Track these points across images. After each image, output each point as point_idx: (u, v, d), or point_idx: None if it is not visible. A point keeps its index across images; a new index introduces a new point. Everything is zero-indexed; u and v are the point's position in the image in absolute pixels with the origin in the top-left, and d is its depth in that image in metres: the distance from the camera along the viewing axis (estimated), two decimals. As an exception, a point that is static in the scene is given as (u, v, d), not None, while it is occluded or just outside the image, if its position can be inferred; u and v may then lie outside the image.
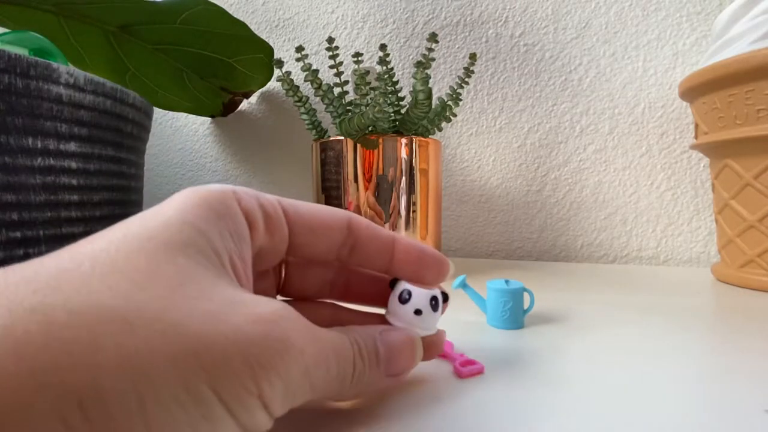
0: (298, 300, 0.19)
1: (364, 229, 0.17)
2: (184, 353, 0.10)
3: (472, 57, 0.38)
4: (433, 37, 0.36)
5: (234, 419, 0.10)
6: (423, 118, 0.37)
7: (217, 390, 0.10)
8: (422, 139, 0.38)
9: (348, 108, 0.39)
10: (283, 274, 0.18)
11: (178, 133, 0.70)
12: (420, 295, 0.17)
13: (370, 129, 0.36)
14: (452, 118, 0.40)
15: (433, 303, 0.17)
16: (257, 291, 0.16)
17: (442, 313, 0.18)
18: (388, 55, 0.37)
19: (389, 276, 0.18)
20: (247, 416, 0.11)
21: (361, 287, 0.19)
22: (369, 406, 0.16)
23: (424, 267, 0.17)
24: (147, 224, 0.12)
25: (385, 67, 0.37)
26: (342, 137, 0.37)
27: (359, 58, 0.36)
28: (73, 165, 0.31)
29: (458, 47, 0.56)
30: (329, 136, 0.39)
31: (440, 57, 0.56)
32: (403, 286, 0.17)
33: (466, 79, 0.38)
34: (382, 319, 0.18)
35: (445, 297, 0.18)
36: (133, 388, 0.09)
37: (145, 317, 0.10)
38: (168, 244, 0.11)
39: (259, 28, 0.64)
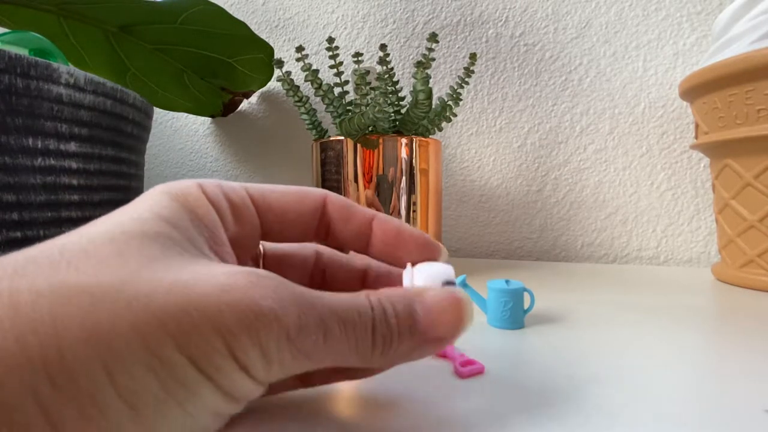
0: None
1: (338, 207, 0.16)
2: (149, 322, 0.10)
3: (473, 57, 0.38)
4: (433, 37, 0.36)
5: (212, 382, 0.10)
6: (423, 118, 0.37)
7: (188, 354, 0.10)
8: (422, 139, 0.38)
9: (348, 108, 0.39)
10: (261, 265, 0.18)
11: (178, 133, 0.70)
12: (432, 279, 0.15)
13: (370, 129, 0.36)
14: (452, 118, 0.40)
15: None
16: None
17: None
18: (388, 55, 0.37)
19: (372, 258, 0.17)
20: (227, 380, 0.10)
21: (338, 284, 0.18)
22: (369, 405, 0.16)
23: (404, 246, 0.16)
24: (120, 219, 0.12)
25: (385, 67, 0.37)
26: (342, 137, 0.37)
27: (359, 58, 0.36)
28: (74, 165, 0.31)
29: (458, 47, 0.56)
30: (329, 136, 0.39)
31: (440, 57, 0.56)
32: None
33: (467, 79, 0.38)
34: None
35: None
36: (97, 356, 0.09)
37: (109, 291, 0.10)
38: (141, 235, 0.11)
39: (259, 28, 0.64)
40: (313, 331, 0.11)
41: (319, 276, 0.18)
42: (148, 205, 0.13)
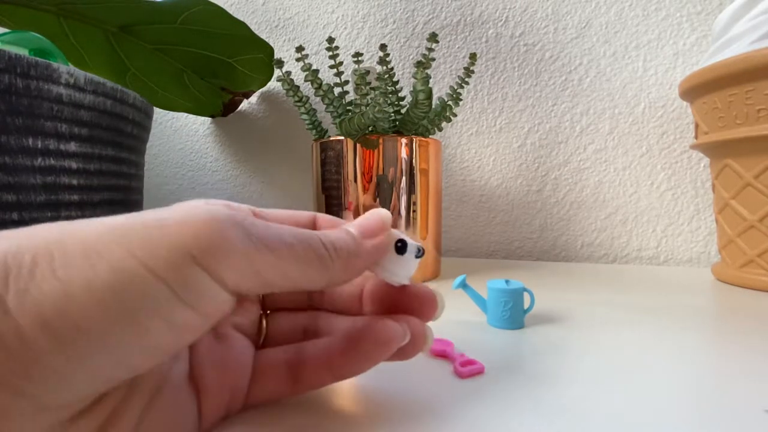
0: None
1: (327, 222, 0.18)
2: (109, 236, 0.11)
3: (473, 57, 0.38)
4: (433, 37, 0.36)
5: (176, 296, 0.11)
6: (423, 118, 0.37)
7: (148, 265, 0.11)
8: (422, 139, 0.38)
9: (348, 108, 0.39)
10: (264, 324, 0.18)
11: (178, 133, 0.70)
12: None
13: (370, 129, 0.36)
14: (452, 118, 0.40)
15: (399, 245, 0.16)
16: (239, 314, 0.18)
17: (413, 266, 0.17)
18: (388, 55, 0.37)
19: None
20: (193, 295, 0.11)
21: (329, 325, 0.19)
22: (369, 405, 0.16)
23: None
24: (120, 220, 0.13)
25: (385, 67, 0.37)
26: (342, 137, 0.37)
27: (359, 58, 0.36)
28: (74, 165, 0.31)
29: (458, 47, 0.56)
30: (329, 136, 0.39)
31: (440, 57, 0.56)
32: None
33: (467, 79, 0.38)
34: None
35: (420, 251, 0.17)
36: (47, 250, 0.10)
37: (75, 230, 0.11)
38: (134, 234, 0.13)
39: (259, 28, 0.64)
40: (266, 255, 0.12)
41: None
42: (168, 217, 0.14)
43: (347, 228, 0.15)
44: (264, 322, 0.18)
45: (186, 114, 0.67)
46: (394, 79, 0.38)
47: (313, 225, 0.18)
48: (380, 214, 0.16)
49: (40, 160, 0.28)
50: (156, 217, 0.12)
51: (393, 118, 0.39)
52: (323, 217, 0.18)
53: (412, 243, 0.16)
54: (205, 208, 0.12)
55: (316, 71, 0.37)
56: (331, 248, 0.14)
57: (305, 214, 0.18)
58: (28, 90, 0.27)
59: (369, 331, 0.15)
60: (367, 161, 0.37)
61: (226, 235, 0.12)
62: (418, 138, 0.38)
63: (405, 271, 0.16)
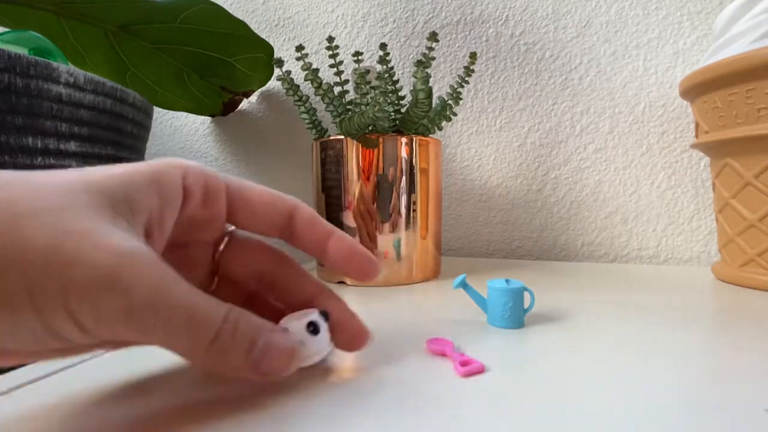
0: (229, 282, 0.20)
1: (304, 220, 0.19)
2: (15, 258, 0.11)
3: (473, 56, 0.38)
4: (433, 36, 0.36)
5: (38, 315, 0.12)
6: (423, 117, 0.37)
7: (28, 287, 0.11)
8: (422, 138, 0.38)
9: (348, 107, 0.39)
10: (221, 246, 0.20)
11: (178, 132, 0.70)
12: (296, 326, 0.17)
13: (370, 128, 0.36)
14: (452, 117, 0.40)
15: (311, 329, 0.17)
16: (194, 255, 0.19)
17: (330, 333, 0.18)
18: (388, 54, 0.37)
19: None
20: (51, 317, 0.12)
21: (286, 289, 0.20)
22: (369, 405, 0.16)
23: (352, 263, 0.19)
24: (96, 170, 0.15)
25: (385, 66, 0.37)
26: (342, 136, 0.37)
27: (359, 57, 0.36)
28: (74, 164, 0.31)
29: (458, 46, 0.56)
30: (329, 136, 0.39)
31: (440, 56, 0.56)
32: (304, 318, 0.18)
33: (467, 78, 0.38)
34: None
35: (326, 316, 0.18)
36: None
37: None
38: (89, 183, 0.14)
39: (259, 27, 0.64)
40: (154, 314, 0.13)
41: (288, 233, 0.19)
42: (133, 167, 0.16)
43: (257, 340, 0.15)
44: (223, 244, 0.20)
45: (186, 113, 0.67)
46: (394, 79, 0.38)
47: (293, 211, 0.19)
48: (293, 355, 0.16)
49: (40, 159, 0.28)
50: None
51: (393, 117, 0.39)
52: (303, 210, 0.19)
53: (321, 323, 0.18)
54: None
55: (316, 70, 0.37)
56: (212, 353, 0.14)
57: (286, 201, 0.19)
58: (28, 89, 0.27)
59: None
60: (367, 160, 0.37)
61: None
62: (418, 137, 0.38)
63: (314, 348, 0.17)
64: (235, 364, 0.14)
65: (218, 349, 0.14)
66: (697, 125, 0.39)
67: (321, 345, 0.18)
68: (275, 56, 0.54)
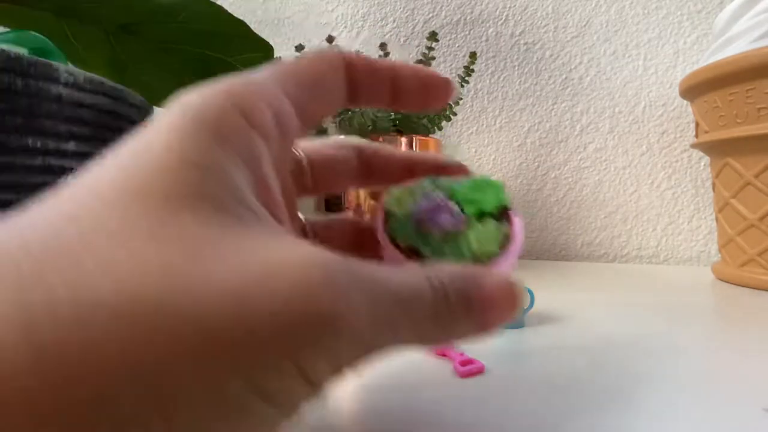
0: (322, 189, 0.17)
1: (361, 67, 0.16)
2: (202, 344, 0.08)
3: (473, 56, 0.38)
4: (433, 36, 0.36)
5: (271, 403, 0.09)
6: (423, 117, 0.37)
7: (252, 379, 0.08)
8: (422, 138, 0.38)
9: (348, 107, 0.39)
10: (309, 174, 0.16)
11: (178, 132, 0.70)
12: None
13: (370, 128, 0.36)
14: (452, 117, 0.40)
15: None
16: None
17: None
18: (388, 53, 0.37)
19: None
20: (288, 397, 0.09)
21: (385, 176, 0.17)
22: (368, 404, 0.16)
23: (429, 89, 0.16)
24: (135, 169, 0.09)
25: (385, 66, 0.37)
26: (342, 136, 0.37)
27: (359, 57, 0.36)
28: (74, 165, 0.31)
29: (458, 46, 0.56)
30: (329, 136, 0.39)
31: (440, 56, 0.56)
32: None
33: (467, 78, 0.38)
34: None
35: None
36: (145, 391, 0.07)
37: (146, 306, 0.08)
38: (167, 199, 0.09)
39: (259, 26, 0.64)
40: (383, 326, 0.10)
41: (366, 170, 0.17)
42: (171, 140, 0.10)
43: (472, 296, 0.12)
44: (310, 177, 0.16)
45: (186, 113, 0.67)
46: (394, 78, 0.38)
47: (358, 156, 0.17)
48: (515, 292, 0.12)
49: (39, 159, 0.28)
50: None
51: (393, 117, 0.39)
52: (369, 148, 0.16)
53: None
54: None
55: (316, 70, 0.37)
56: (439, 328, 0.11)
57: (347, 145, 0.16)
58: (28, 89, 0.27)
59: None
60: (367, 160, 0.37)
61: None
62: (418, 137, 0.38)
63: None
64: (464, 332, 0.12)
65: (443, 327, 0.11)
66: (697, 125, 0.39)
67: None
68: (275, 56, 0.54)
